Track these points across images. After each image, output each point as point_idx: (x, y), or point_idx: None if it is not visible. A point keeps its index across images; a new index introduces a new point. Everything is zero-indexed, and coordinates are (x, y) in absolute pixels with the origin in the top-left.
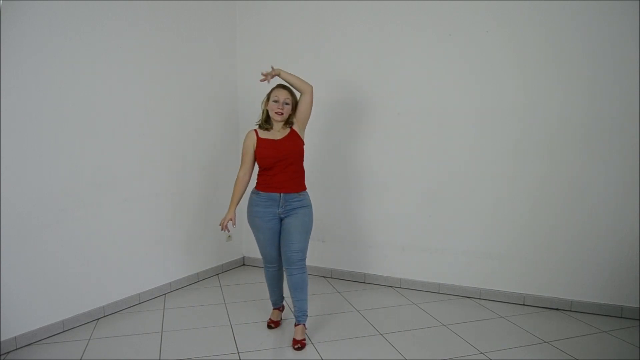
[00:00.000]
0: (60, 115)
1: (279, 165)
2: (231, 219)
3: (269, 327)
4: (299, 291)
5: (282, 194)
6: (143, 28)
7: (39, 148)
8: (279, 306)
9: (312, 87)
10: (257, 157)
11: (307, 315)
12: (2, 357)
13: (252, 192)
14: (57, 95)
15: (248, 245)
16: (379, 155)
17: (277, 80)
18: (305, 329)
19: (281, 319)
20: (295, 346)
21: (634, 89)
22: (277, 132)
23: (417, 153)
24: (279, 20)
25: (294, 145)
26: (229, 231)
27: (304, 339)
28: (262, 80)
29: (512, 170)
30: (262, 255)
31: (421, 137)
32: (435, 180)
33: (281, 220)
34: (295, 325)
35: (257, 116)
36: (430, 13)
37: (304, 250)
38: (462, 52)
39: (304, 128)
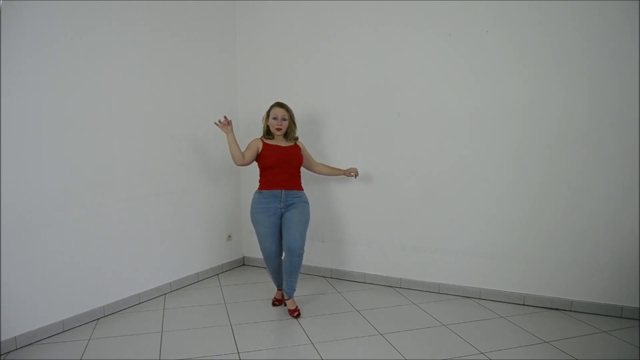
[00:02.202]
0: (61, 115)
1: (281, 166)
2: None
3: (274, 304)
4: (293, 274)
5: (283, 190)
6: (143, 28)
7: (39, 148)
8: (282, 287)
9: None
10: (259, 158)
11: (294, 290)
12: (2, 357)
13: (256, 193)
14: (57, 95)
15: (248, 245)
16: (378, 155)
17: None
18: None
19: (284, 297)
20: (294, 314)
21: (634, 89)
22: (282, 142)
23: (417, 153)
24: (279, 20)
25: (297, 153)
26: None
27: (298, 307)
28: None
29: (512, 170)
30: (262, 251)
31: (421, 136)
32: (436, 180)
33: (282, 215)
34: (286, 300)
35: (256, 116)
36: (430, 13)
37: (303, 240)
38: (462, 52)
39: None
